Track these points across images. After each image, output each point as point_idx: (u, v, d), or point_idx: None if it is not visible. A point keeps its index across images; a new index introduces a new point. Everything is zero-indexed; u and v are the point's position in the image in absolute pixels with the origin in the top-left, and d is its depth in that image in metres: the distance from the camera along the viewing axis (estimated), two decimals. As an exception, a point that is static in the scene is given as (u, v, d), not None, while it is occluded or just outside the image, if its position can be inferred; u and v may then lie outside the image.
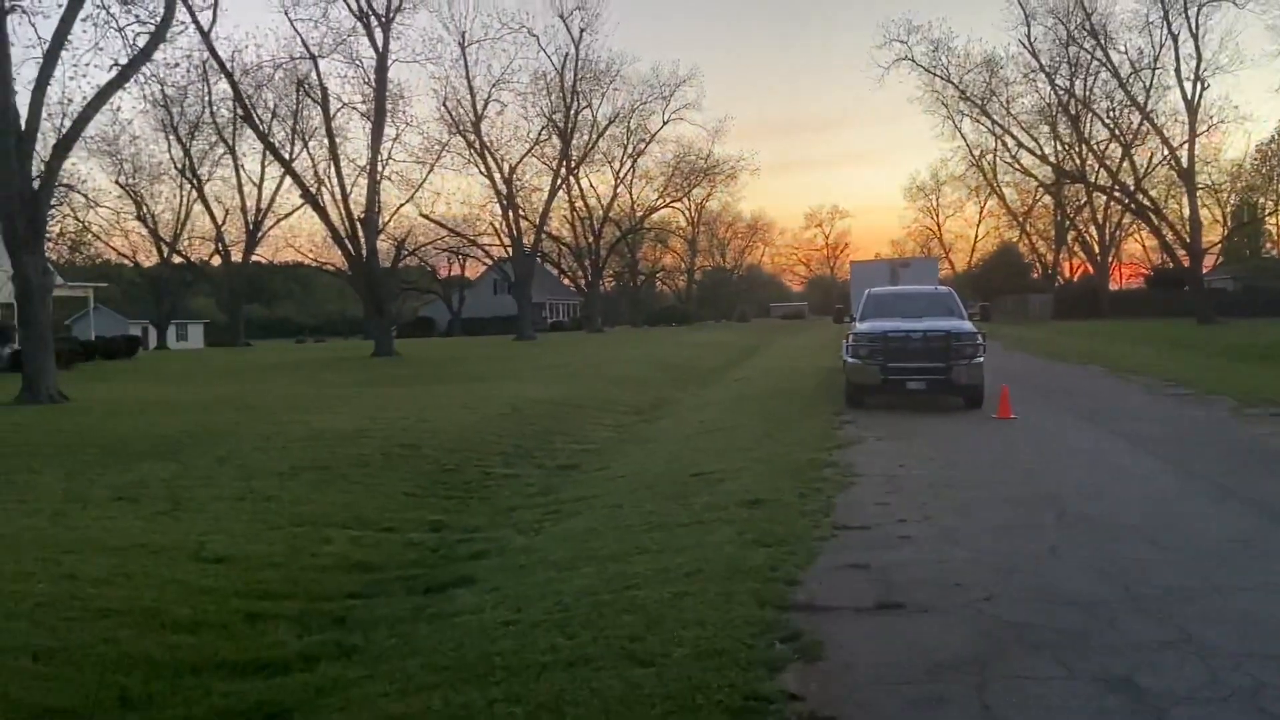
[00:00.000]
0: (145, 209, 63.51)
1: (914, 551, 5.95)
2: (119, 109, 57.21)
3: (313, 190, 37.85)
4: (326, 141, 37.61)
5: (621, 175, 67.35)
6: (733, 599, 4.94)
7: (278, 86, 41.16)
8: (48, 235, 22.07)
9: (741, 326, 72.38)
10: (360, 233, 36.73)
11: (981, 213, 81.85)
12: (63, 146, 18.90)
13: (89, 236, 61.66)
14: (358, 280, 39.50)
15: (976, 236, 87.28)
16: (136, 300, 67.24)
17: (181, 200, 65.16)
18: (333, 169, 37.19)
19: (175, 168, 62.73)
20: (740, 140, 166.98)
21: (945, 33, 73.75)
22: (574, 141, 56.12)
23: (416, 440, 12.29)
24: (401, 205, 47.86)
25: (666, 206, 73.17)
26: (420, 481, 9.83)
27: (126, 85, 19.87)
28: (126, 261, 65.98)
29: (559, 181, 55.38)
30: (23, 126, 17.55)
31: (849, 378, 14.19)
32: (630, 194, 71.00)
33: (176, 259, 65.76)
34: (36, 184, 18.16)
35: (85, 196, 43.50)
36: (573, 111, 54.51)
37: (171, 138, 60.56)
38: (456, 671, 4.50)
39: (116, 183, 60.14)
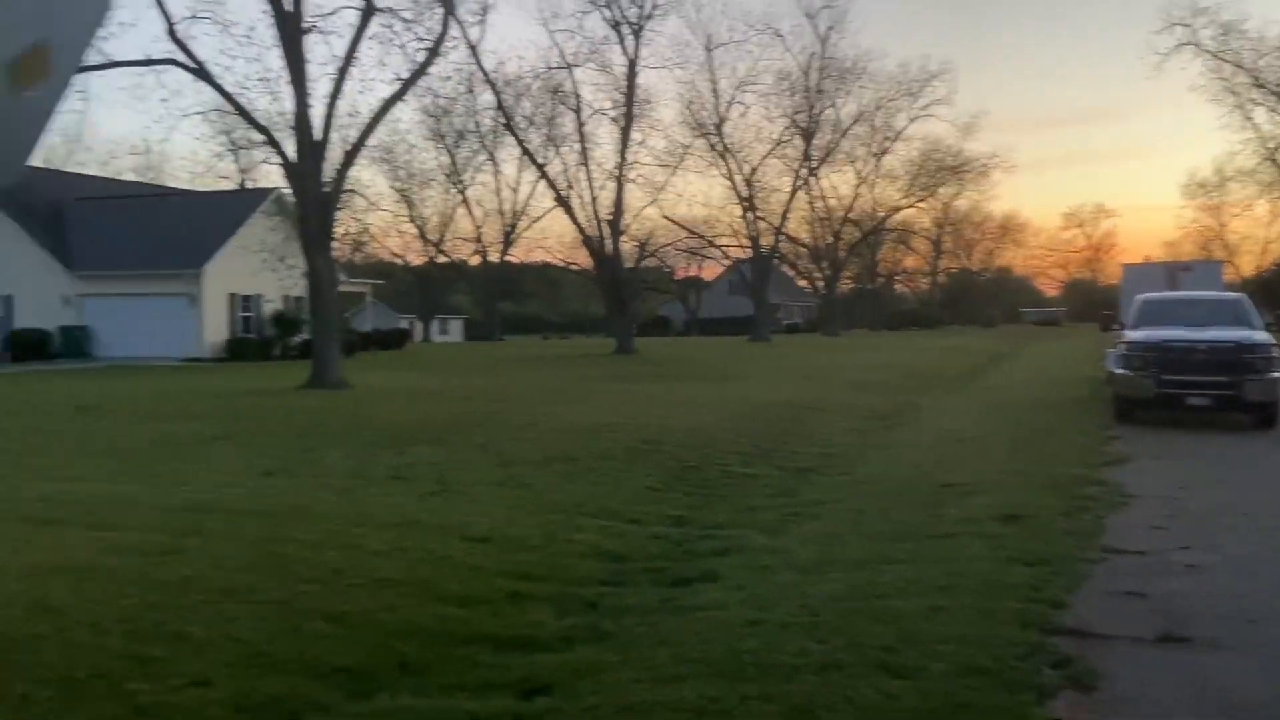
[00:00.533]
0: (416, 211, 69.24)
1: (1200, 582, 5.42)
2: (398, 120, 62.43)
3: (563, 193, 39.68)
4: (578, 146, 39.34)
5: (864, 175, 65.94)
6: (993, 617, 4.70)
7: (535, 96, 43.50)
8: (334, 236, 24.52)
9: (989, 332, 68.82)
10: (606, 233, 38.11)
11: (1276, 211, 73.51)
12: (351, 154, 20.86)
13: (368, 237, 68.21)
14: (602, 279, 40.98)
15: (1269, 239, 78.40)
16: (406, 296, 73.13)
17: (447, 204, 70.47)
18: (583, 173, 38.87)
19: (442, 174, 67.95)
20: (993, 136, 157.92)
21: (1237, 15, 66.79)
22: (816, 141, 55.54)
23: (657, 436, 12.57)
24: (645, 207, 49.29)
25: (911, 206, 70.89)
26: (662, 477, 10.03)
27: (404, 98, 21.52)
28: (398, 260, 72.18)
29: (799, 182, 54.97)
30: (317, 136, 19.51)
31: (1117, 390, 13.15)
32: (872, 194, 69.35)
33: (441, 258, 71.10)
34: (327, 189, 20.14)
35: (367, 200, 47.74)
36: (816, 111, 54.00)
37: (440, 145, 65.63)
38: (705, 665, 4.55)
39: (393, 187, 65.70)
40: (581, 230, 38.20)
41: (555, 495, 8.84)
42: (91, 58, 18.01)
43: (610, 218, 38.35)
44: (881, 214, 69.61)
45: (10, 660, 4.42)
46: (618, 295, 38.81)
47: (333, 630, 5.18)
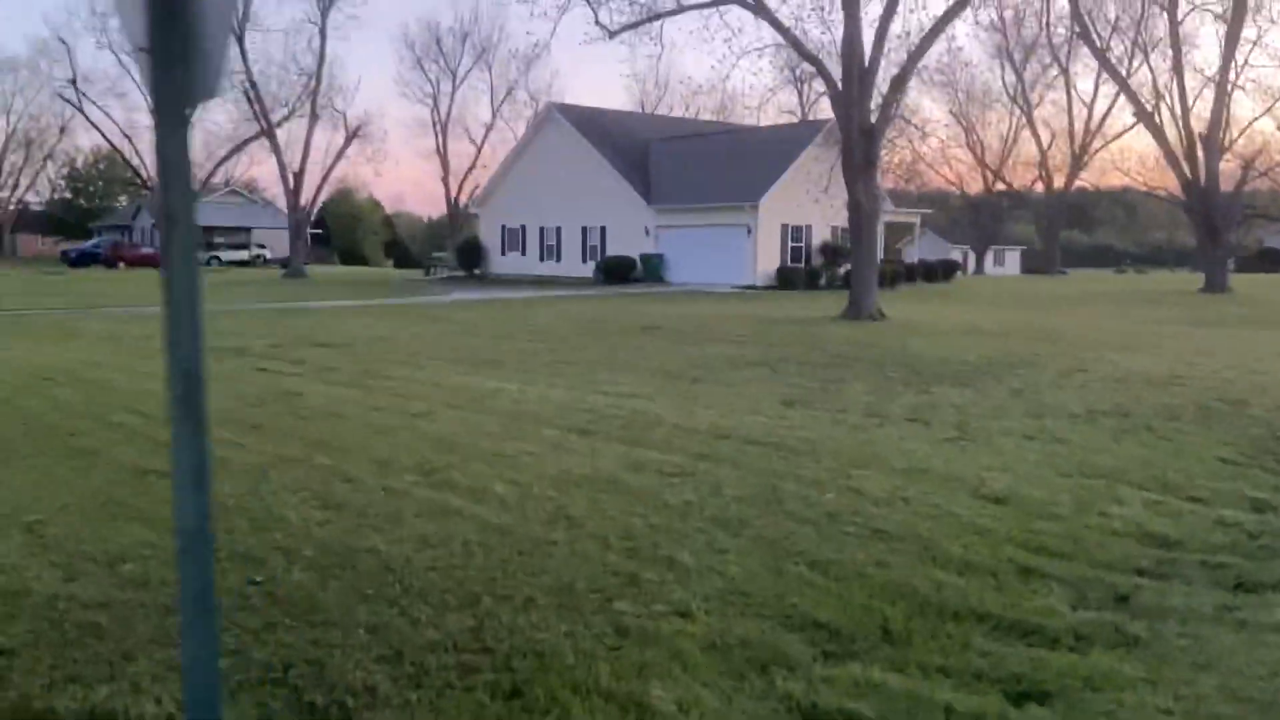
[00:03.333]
0: (975, 136, 66.29)
1: None
2: (953, 38, 59.77)
3: (1148, 107, 34.74)
4: (1170, 52, 34.00)
5: None
6: None
7: (1120, -1, 38.46)
8: (885, 164, 24.13)
9: None
10: (1200, 152, 32.68)
11: None
12: (900, 80, 20.17)
13: (921, 166, 67.17)
14: (1192, 204, 35.38)
15: None
16: (959, 226, 70.74)
17: (1011, 126, 66.36)
18: (1174, 82, 33.58)
19: (1006, 94, 63.97)
20: None
21: None
22: None
23: (1243, 395, 10.37)
24: (1255, 119, 41.21)
25: None
26: (1242, 446, 8.18)
27: (962, 13, 20.17)
28: (953, 188, 69.92)
29: None
30: (865, 62, 19.14)
31: None
32: None
33: (1000, 185, 67.36)
34: (874, 117, 19.75)
35: (918, 129, 46.68)
36: None
37: (1005, 63, 61.69)
38: (1266, 711, 3.45)
39: (950, 112, 63.45)
40: (1168, 149, 33.18)
41: (1096, 457, 7.64)
42: (665, 4, 19.59)
43: (1206, 133, 32.72)
44: None
45: (524, 563, 4.83)
46: (1210, 223, 33.23)
47: (816, 579, 4.91)
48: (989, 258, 68.46)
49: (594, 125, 40.94)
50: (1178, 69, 33.02)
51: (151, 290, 27.83)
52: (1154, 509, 6.34)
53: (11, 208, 76.96)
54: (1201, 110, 33.14)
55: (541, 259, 42.19)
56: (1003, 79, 63.40)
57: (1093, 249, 77.33)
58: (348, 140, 47.80)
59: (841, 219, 35.33)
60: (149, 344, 14.84)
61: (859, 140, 18.99)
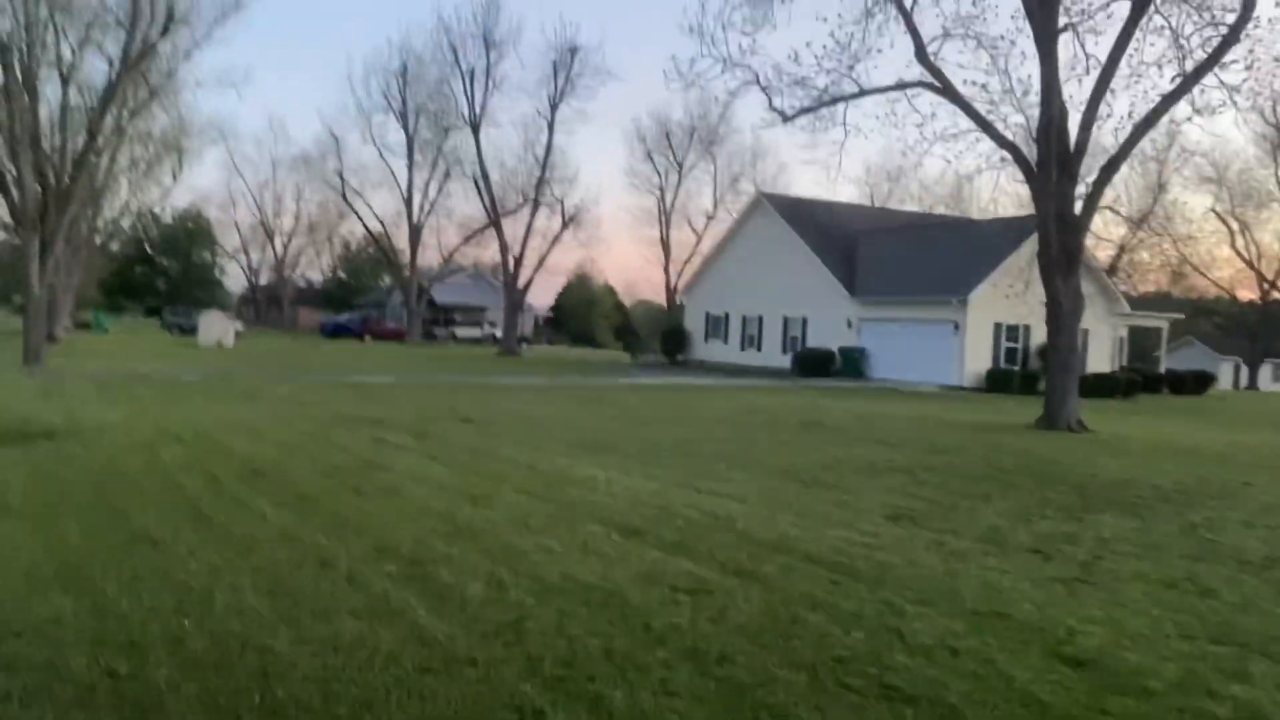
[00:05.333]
0: (1247, 238, 60.10)
1: None
2: (1220, 133, 54.80)
3: None
4: None
5: None
6: None
7: None
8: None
9: None
10: None
11: None
12: (1109, 167, 18.32)
13: (1187, 268, 61.43)
14: None
15: None
16: (1231, 337, 63.93)
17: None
18: None
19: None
20: None
21: None
22: None
23: None
24: None
25: None
26: None
27: (1186, 95, 18.12)
28: (1225, 294, 63.51)
29: None
30: (1070, 147, 17.52)
31: None
32: None
33: (1275, 293, 60.50)
34: (1078, 208, 18.00)
35: (1133, 220, 42.87)
36: None
37: (1278, 158, 55.79)
38: None
39: (1213, 210, 58.03)
40: None
41: (1242, 617, 6.07)
42: (846, 87, 18.91)
43: None
44: None
45: (420, 685, 4.21)
46: None
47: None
48: (1265, 372, 61.25)
49: (801, 214, 40.38)
50: None
51: (367, 361, 29.75)
52: (1289, 696, 4.86)
53: (296, 285, 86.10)
54: None
55: (743, 348, 41.68)
56: (1276, 175, 57.22)
57: None
58: (564, 226, 49.77)
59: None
60: (312, 408, 15.55)
61: (1057, 231, 17.29)
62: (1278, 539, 8.53)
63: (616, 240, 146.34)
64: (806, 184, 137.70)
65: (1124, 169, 20.09)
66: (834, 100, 18.99)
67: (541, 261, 50.25)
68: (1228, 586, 6.81)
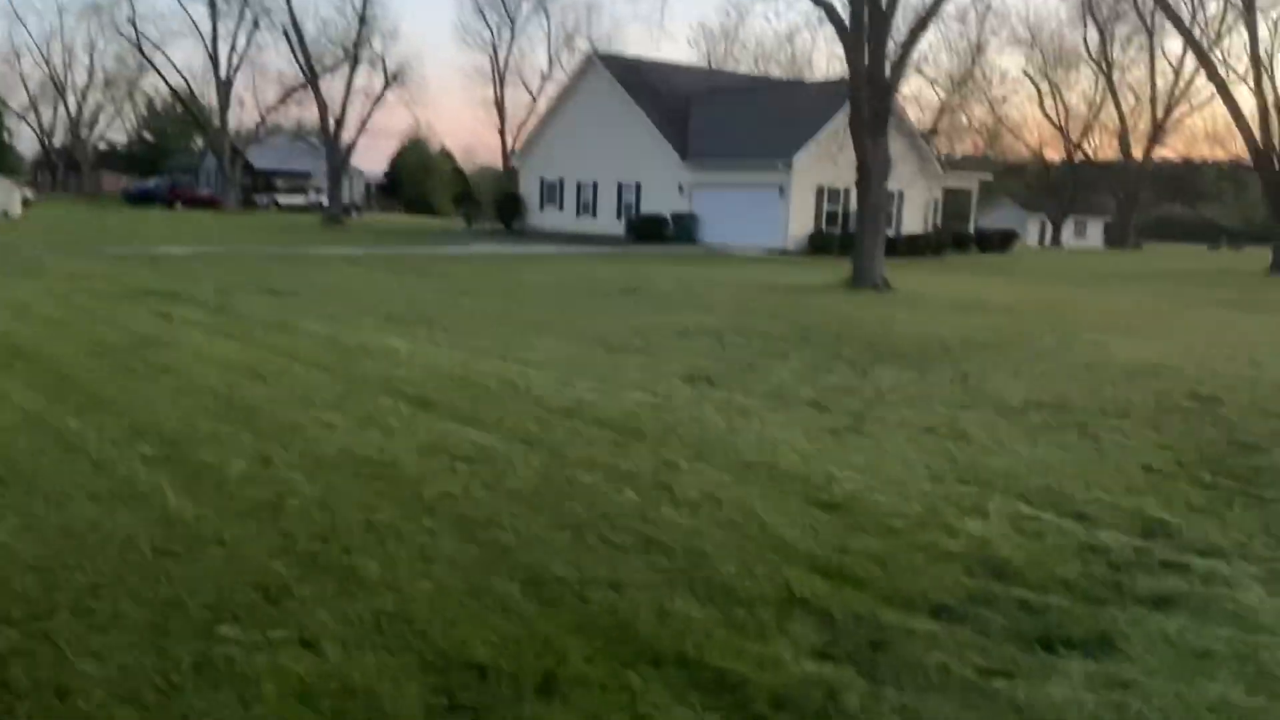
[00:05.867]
0: (1056, 100, 63.19)
1: None
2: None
3: (1221, 71, 32.24)
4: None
5: None
6: None
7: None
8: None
9: None
10: (1276, 120, 30.24)
11: None
12: (919, 27, 18.62)
13: (1001, 129, 64.35)
14: (1266, 177, 32.85)
15: None
16: (1046, 194, 67.34)
17: (1096, 90, 63.05)
18: (1252, 44, 31.00)
19: (1089, 55, 60.66)
20: None
21: None
22: None
23: (1220, 392, 9.13)
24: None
25: None
26: (1183, 453, 7.02)
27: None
28: (1035, 155, 66.90)
29: None
30: (882, 4, 17.61)
31: None
32: None
33: (1080, 154, 64.31)
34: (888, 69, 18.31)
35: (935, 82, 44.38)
36: None
37: (1088, 19, 58.53)
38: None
39: (1024, 72, 60.56)
40: (1237, 116, 30.75)
41: (989, 458, 6.60)
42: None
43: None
44: None
45: (157, 567, 4.07)
46: (1277, 196, 30.82)
47: (516, 604, 4.07)
48: (1069, 229, 65.49)
49: (636, 77, 39.62)
50: (1250, 27, 30.39)
51: (174, 231, 27.60)
52: (1016, 526, 5.34)
53: (96, 148, 78.70)
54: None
55: (578, 215, 41.30)
56: (1085, 39, 60.11)
57: (1198, 223, 72.89)
58: (386, 84, 47.28)
59: (891, 182, 33.87)
60: (97, 282, 14.47)
61: (868, 93, 17.60)
62: (1038, 384, 9.25)
63: (451, 102, 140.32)
64: (643, 43, 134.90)
65: (941, 31, 20.37)
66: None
67: (365, 123, 47.81)
68: (984, 430, 7.36)
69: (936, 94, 47.04)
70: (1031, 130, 64.17)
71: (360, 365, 8.76)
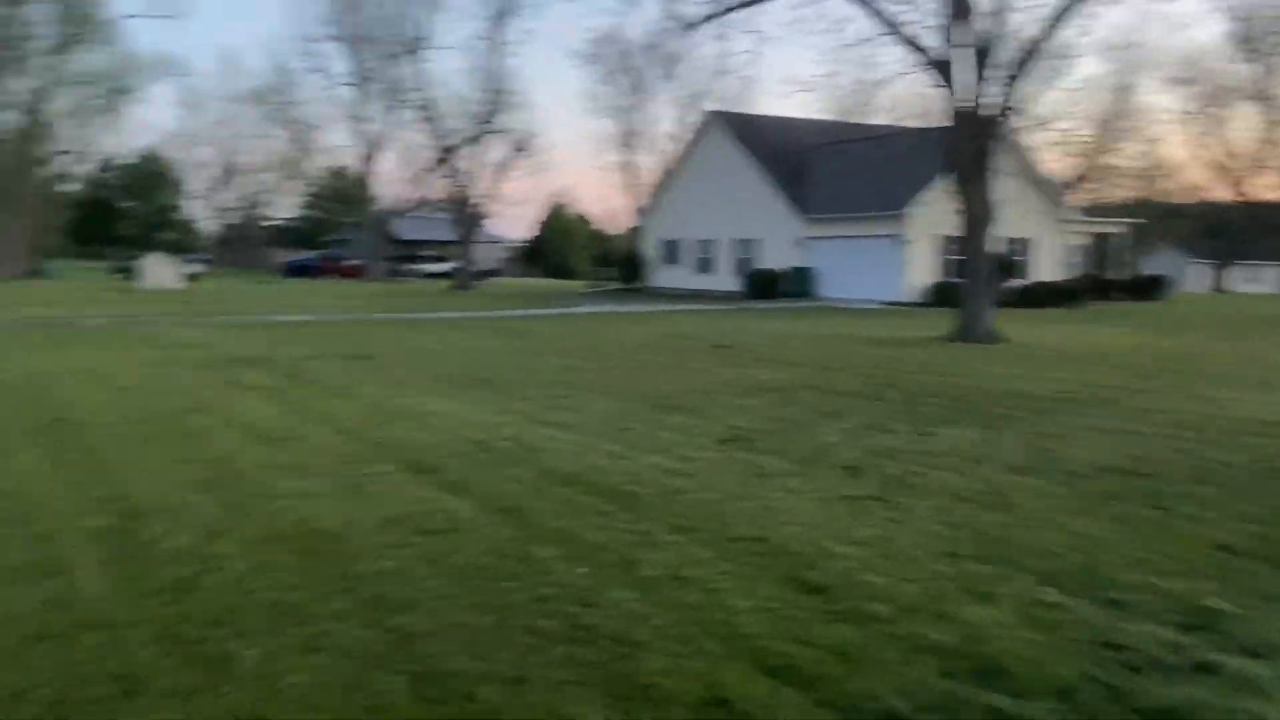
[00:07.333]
0: (1218, 139, 59.45)
1: None
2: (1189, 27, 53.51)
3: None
4: None
5: None
6: None
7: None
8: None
9: None
10: None
11: None
12: (1023, 63, 17.52)
13: (1158, 171, 60.75)
14: None
15: None
16: (1211, 238, 63.03)
17: (1264, 127, 58.96)
18: None
19: (1248, 90, 56.87)
20: None
21: None
22: None
23: (1345, 455, 7.89)
24: None
25: None
26: (1272, 530, 6.00)
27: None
28: (1195, 196, 62.89)
29: None
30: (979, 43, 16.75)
31: None
32: None
33: (1247, 195, 60.09)
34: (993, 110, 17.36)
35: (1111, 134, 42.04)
36: None
37: (1247, 53, 55.00)
38: None
39: (1180, 111, 57.26)
40: None
41: (1030, 532, 5.78)
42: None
43: None
44: None
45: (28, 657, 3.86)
46: None
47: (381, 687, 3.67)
48: (1237, 274, 61.12)
49: (753, 132, 39.42)
50: None
51: (304, 300, 28.74)
52: (1027, 615, 4.57)
53: (267, 225, 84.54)
54: None
55: (697, 272, 41.12)
56: (1243, 73, 56.32)
57: None
58: (517, 153, 48.69)
59: (1018, 229, 32.20)
60: (195, 351, 15.03)
61: (969, 136, 16.68)
62: (1121, 446, 8.25)
63: (587, 166, 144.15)
64: (774, 103, 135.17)
65: (1082, 70, 19.11)
66: (734, 7, 18.11)
67: (493, 192, 49.27)
68: (1033, 499, 6.53)
69: (1082, 138, 44.58)
70: (1193, 172, 60.00)
71: (385, 429, 8.61)
